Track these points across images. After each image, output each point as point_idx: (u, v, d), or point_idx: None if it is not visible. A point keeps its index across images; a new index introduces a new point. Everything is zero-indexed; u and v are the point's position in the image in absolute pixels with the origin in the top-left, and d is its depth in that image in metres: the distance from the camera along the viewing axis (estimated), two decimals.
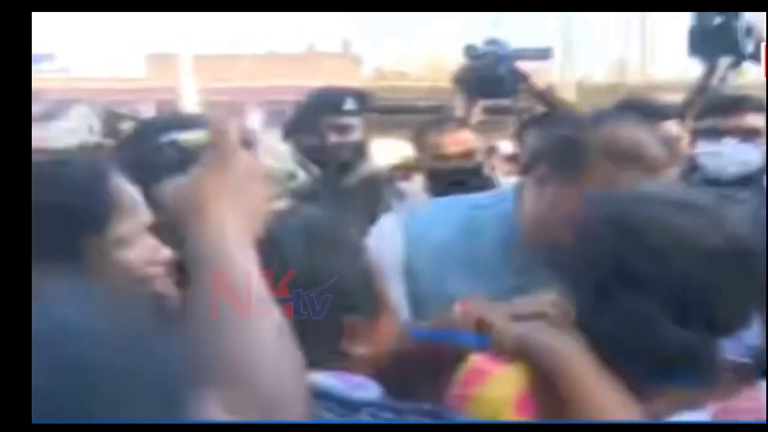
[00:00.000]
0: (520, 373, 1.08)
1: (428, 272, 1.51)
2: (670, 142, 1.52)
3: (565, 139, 1.53)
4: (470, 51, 2.77)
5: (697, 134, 2.56)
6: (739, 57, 2.71)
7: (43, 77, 12.29)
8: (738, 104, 2.69)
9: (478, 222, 1.57)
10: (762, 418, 1.01)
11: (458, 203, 1.69)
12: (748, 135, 2.61)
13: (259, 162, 0.94)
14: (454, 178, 2.55)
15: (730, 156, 2.57)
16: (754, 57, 2.82)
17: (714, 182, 2.20)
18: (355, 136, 2.46)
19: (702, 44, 2.79)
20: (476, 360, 1.12)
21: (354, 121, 2.45)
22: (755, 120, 2.65)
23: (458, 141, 2.72)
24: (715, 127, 2.47)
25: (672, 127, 2.39)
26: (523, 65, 2.75)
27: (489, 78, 2.70)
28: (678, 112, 2.50)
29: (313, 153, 2.36)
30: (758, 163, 2.53)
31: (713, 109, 2.60)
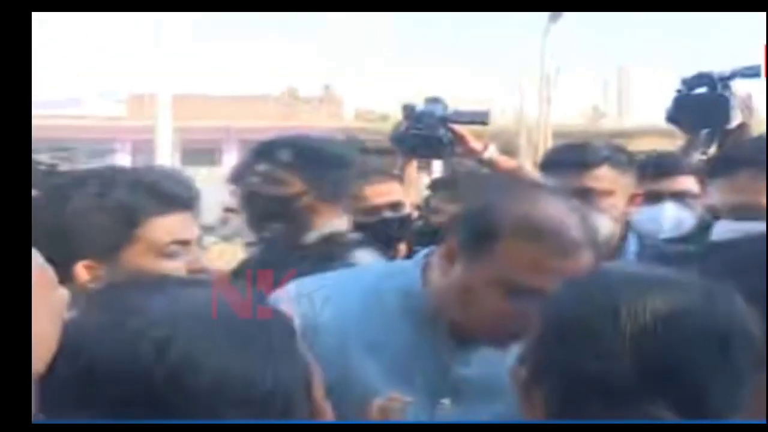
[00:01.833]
0: None
1: (329, 349, 1.38)
2: (590, 223, 1.39)
3: (477, 214, 1.42)
4: (407, 111, 2.79)
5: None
6: (722, 129, 2.67)
7: None
8: (670, 167, 2.74)
9: (382, 294, 1.49)
10: None
11: (365, 273, 1.63)
12: (680, 197, 2.67)
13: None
14: (381, 230, 2.55)
15: (665, 219, 2.63)
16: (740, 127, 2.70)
17: (651, 246, 2.15)
18: (289, 189, 2.33)
19: (684, 115, 2.72)
20: None
21: (285, 174, 2.31)
22: (686, 182, 2.70)
23: (383, 192, 2.71)
24: (649, 190, 2.50)
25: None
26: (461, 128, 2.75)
27: (425, 138, 2.72)
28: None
29: (245, 202, 2.32)
30: (691, 223, 2.58)
31: (648, 173, 2.62)
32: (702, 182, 2.49)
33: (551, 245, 1.31)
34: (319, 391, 0.90)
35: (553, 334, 0.97)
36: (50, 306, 0.68)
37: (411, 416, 1.32)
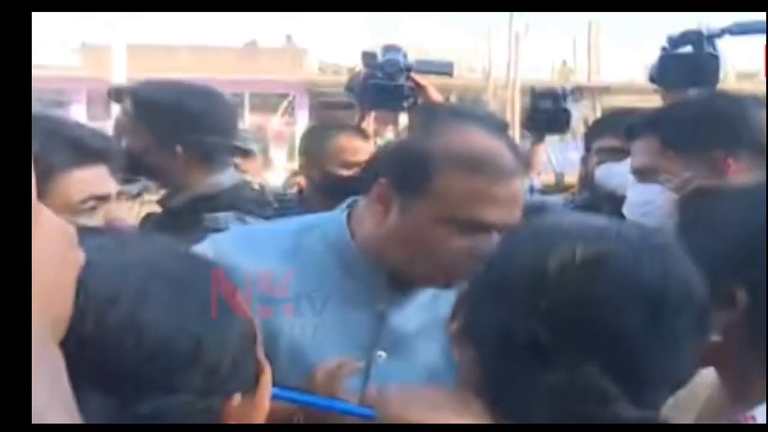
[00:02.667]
0: None
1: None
2: (520, 151, 1.35)
3: (407, 149, 1.34)
4: (367, 59, 2.54)
5: (598, 153, 2.44)
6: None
7: None
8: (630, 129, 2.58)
9: (303, 247, 1.38)
10: None
11: (282, 227, 1.49)
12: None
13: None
14: (351, 187, 2.36)
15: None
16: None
17: (610, 199, 2.05)
18: (137, 142, 2.04)
19: (669, 75, 2.57)
20: None
21: (134, 124, 2.03)
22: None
23: (359, 149, 2.51)
24: (614, 145, 2.33)
25: None
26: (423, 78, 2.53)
27: (385, 88, 2.48)
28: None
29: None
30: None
31: (612, 128, 2.48)
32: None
33: (491, 173, 1.25)
34: (260, 347, 0.83)
35: (482, 289, 0.93)
36: (68, 268, 0.67)
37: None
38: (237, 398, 0.76)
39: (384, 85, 2.52)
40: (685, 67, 2.45)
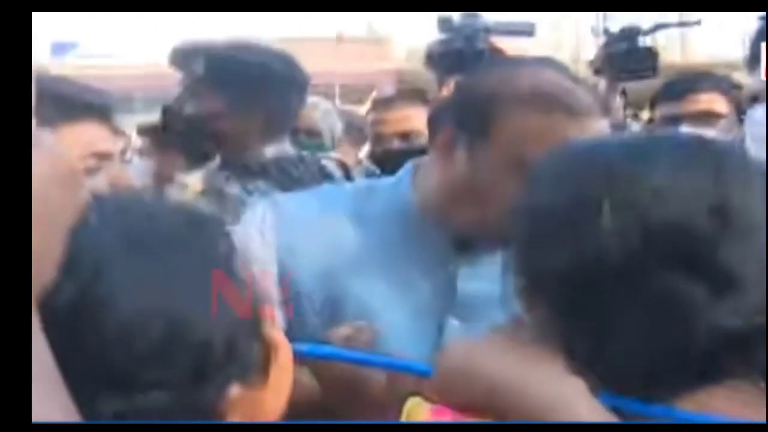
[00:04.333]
0: None
1: (312, 278, 1.27)
2: (595, 92, 1.31)
3: (471, 89, 1.27)
4: (444, 24, 2.47)
5: (653, 122, 2.35)
6: None
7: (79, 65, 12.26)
8: (691, 87, 2.46)
9: (364, 214, 1.32)
10: None
11: (340, 193, 1.44)
12: (704, 119, 2.36)
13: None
14: (394, 159, 2.29)
15: None
16: None
17: None
18: (206, 107, 2.05)
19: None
20: (424, 409, 0.82)
21: (201, 88, 2.03)
22: (711, 102, 2.43)
23: (400, 118, 2.44)
24: (670, 114, 2.24)
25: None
26: (502, 42, 2.45)
27: (464, 53, 2.40)
28: None
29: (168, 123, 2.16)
30: None
31: (667, 95, 2.37)
32: (729, 100, 2.36)
33: (560, 111, 1.18)
34: (271, 325, 0.69)
35: (541, 231, 0.82)
36: (69, 210, 0.59)
37: (415, 339, 1.21)
38: (235, 389, 0.63)
39: (461, 50, 2.46)
40: None
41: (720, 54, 11.48)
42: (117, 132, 1.48)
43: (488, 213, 1.22)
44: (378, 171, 2.72)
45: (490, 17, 2.50)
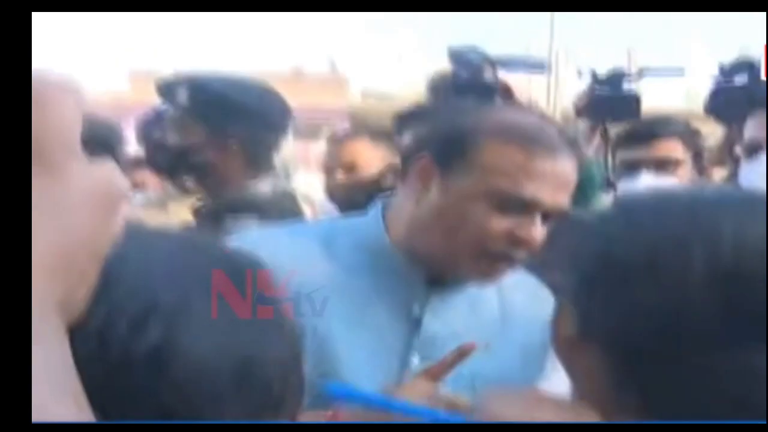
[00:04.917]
0: None
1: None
2: (572, 131, 1.37)
3: (452, 122, 1.31)
4: (455, 55, 2.55)
5: (616, 166, 2.40)
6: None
7: None
8: (651, 132, 2.47)
9: (334, 251, 1.33)
10: None
11: (311, 229, 1.47)
12: (663, 165, 2.40)
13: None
14: (342, 192, 2.34)
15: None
16: None
17: None
18: (189, 138, 2.04)
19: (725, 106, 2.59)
20: None
21: (186, 120, 2.03)
22: (670, 148, 2.44)
23: (346, 152, 2.48)
24: (630, 159, 2.31)
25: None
26: (509, 77, 2.53)
27: (471, 85, 2.47)
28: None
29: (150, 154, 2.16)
30: None
31: (627, 140, 2.43)
32: (688, 147, 2.37)
33: (535, 146, 1.22)
34: (306, 364, 0.68)
35: (601, 280, 0.78)
36: (101, 233, 0.53)
37: (380, 377, 1.23)
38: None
39: (468, 81, 2.52)
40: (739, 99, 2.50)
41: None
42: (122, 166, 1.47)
43: (461, 245, 1.26)
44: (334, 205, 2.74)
45: (501, 52, 2.57)
